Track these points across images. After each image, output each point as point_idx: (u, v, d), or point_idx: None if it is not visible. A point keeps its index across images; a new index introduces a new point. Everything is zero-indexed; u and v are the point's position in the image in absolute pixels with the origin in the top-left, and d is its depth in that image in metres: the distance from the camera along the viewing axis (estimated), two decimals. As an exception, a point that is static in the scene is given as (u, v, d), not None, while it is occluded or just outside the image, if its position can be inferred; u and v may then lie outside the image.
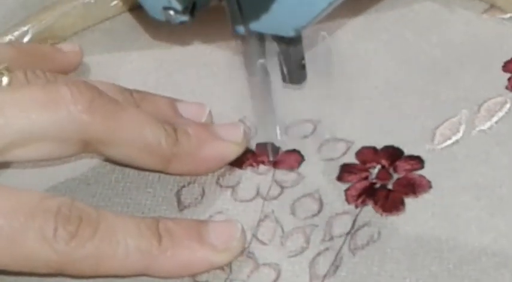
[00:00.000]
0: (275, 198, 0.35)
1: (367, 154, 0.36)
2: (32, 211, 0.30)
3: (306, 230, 0.34)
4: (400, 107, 0.38)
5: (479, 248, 0.32)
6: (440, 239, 0.33)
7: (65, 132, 0.32)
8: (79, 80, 0.34)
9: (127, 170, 0.36)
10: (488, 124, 0.36)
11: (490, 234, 0.33)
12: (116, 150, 0.34)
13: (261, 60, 0.34)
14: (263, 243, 0.33)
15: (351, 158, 0.36)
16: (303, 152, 0.36)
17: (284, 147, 0.37)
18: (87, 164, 0.37)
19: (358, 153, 0.36)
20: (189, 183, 0.36)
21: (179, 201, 0.35)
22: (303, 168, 0.36)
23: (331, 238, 0.33)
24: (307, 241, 0.33)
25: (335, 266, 0.32)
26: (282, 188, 0.35)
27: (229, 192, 0.35)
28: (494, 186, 0.34)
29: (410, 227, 0.33)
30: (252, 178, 0.36)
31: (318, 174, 0.36)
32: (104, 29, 0.43)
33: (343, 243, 0.33)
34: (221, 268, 0.33)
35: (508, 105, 0.37)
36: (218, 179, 0.36)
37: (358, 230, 0.33)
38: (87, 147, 0.34)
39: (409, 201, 0.34)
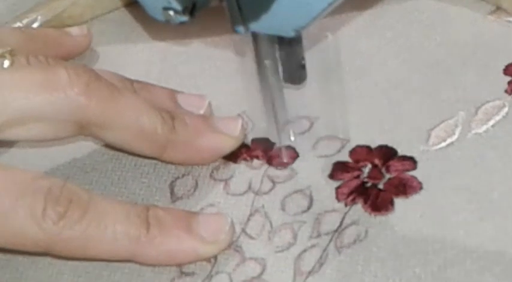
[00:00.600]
0: (266, 193, 0.35)
1: (361, 153, 0.36)
2: (23, 189, 0.31)
3: (294, 226, 0.34)
4: (398, 105, 0.37)
5: (464, 251, 0.32)
6: (427, 241, 0.33)
7: (61, 114, 0.33)
8: (78, 64, 0.35)
9: (124, 159, 0.37)
10: (484, 127, 0.36)
11: (478, 238, 0.32)
12: (112, 134, 0.34)
13: (267, 61, 0.34)
14: (251, 238, 0.34)
15: (345, 156, 0.36)
16: (298, 149, 0.37)
17: (284, 143, 0.37)
18: (85, 151, 0.37)
19: (352, 152, 0.36)
20: (183, 175, 0.36)
21: (172, 193, 0.36)
22: (297, 164, 0.36)
23: (319, 235, 0.33)
24: (295, 237, 0.34)
25: (320, 263, 0.33)
26: (274, 183, 0.36)
27: (222, 185, 0.36)
28: (486, 190, 0.34)
29: (398, 228, 0.33)
30: (245, 172, 0.36)
31: (311, 171, 0.36)
32: (112, 19, 0.43)
33: (330, 240, 0.33)
34: (207, 260, 0.33)
35: (505, 109, 0.36)
36: (212, 172, 0.36)
37: (345, 228, 0.33)
38: (83, 129, 0.34)
39: (398, 201, 0.34)
